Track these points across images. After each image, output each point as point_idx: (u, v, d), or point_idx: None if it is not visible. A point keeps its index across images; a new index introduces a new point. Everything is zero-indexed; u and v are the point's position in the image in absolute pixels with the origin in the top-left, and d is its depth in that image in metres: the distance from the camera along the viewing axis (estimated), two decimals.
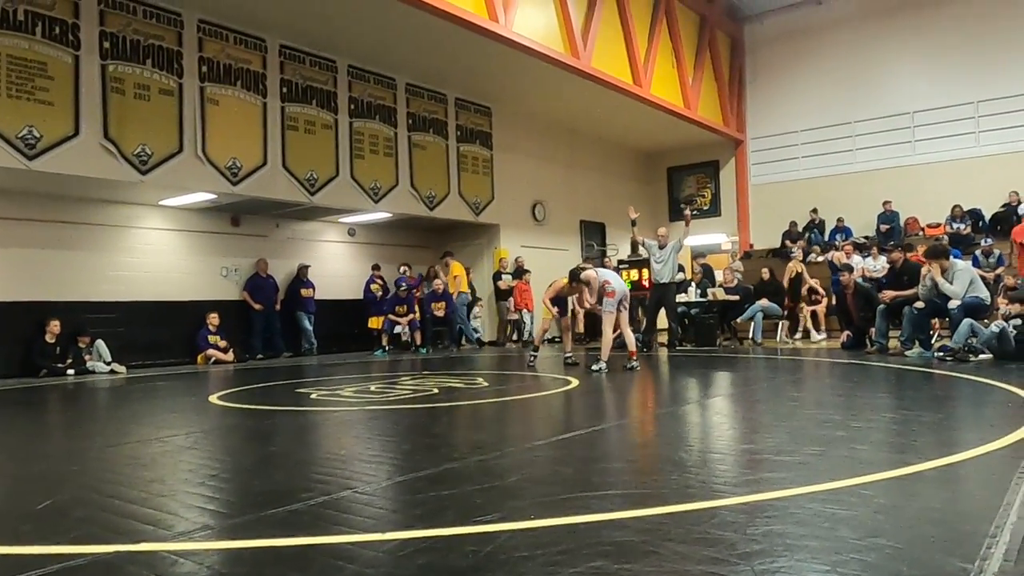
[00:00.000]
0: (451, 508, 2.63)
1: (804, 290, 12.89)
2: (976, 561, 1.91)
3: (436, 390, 6.57)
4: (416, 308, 13.22)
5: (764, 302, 12.28)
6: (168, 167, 9.79)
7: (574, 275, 8.41)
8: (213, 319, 11.14)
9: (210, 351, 11.00)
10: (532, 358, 9.09)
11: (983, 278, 9.22)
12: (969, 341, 7.86)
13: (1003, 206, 14.46)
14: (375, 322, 13.10)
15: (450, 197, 13.83)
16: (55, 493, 3.06)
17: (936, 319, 9.28)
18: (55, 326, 9.58)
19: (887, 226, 15.52)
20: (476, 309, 14.47)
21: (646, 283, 12.61)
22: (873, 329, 9.45)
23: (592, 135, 17.19)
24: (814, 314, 12.74)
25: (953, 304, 8.23)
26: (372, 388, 6.97)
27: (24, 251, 9.76)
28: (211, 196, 10.71)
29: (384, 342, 12.77)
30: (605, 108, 14.91)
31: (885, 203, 15.75)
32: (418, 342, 13.00)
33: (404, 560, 2.10)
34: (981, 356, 7.76)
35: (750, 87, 18.23)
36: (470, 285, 14.38)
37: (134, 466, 3.71)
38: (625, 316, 8.29)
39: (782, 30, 17.54)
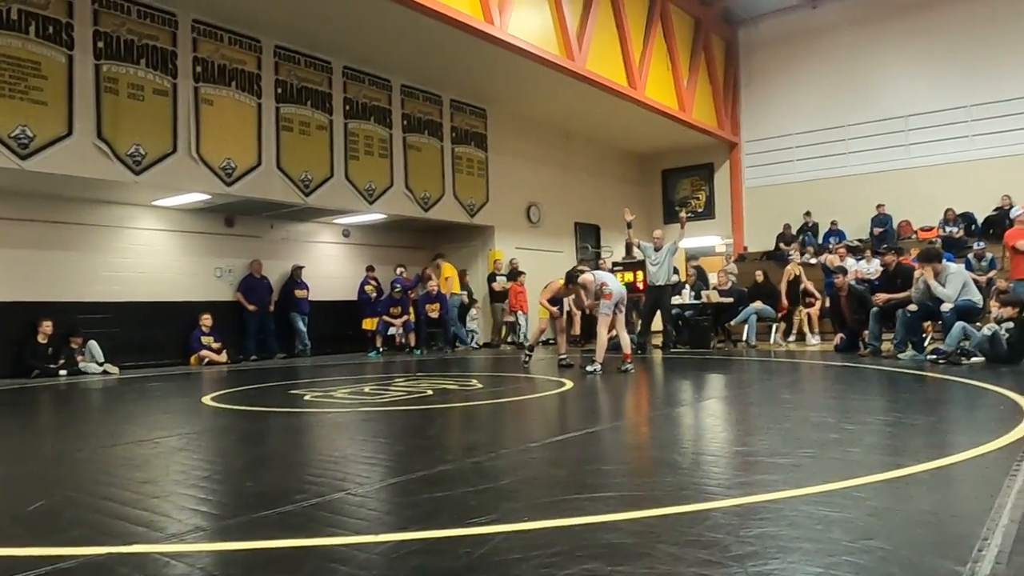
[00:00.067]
0: (445, 510, 2.63)
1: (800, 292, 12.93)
2: (968, 563, 1.92)
3: (430, 391, 6.56)
4: (411, 310, 13.21)
5: (758, 304, 12.31)
6: (162, 167, 9.76)
7: (570, 277, 8.43)
8: (206, 320, 11.10)
9: (203, 352, 10.97)
10: (527, 358, 9.10)
11: (975, 281, 9.26)
12: (961, 344, 7.90)
13: (995, 210, 14.53)
14: (369, 323, 13.07)
15: (445, 199, 13.82)
16: (46, 494, 3.05)
17: (929, 322, 9.32)
18: (47, 326, 9.53)
19: (880, 229, 15.58)
20: (473, 311, 14.46)
21: (640, 285, 12.63)
22: (866, 332, 9.48)
23: (587, 137, 17.21)
24: (809, 316, 12.78)
25: (946, 307, 8.27)
26: (366, 389, 6.95)
27: (16, 251, 9.71)
28: (205, 197, 10.69)
29: (378, 343, 12.75)
30: (600, 110, 14.93)
31: (879, 206, 15.81)
32: (412, 343, 12.99)
33: (397, 562, 2.10)
34: (973, 359, 7.79)
35: (745, 90, 18.28)
36: (467, 287, 14.38)
37: (126, 467, 3.69)
38: (621, 318, 8.30)
39: (777, 34, 17.60)
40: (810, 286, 12.80)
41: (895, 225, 15.77)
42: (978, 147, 15.34)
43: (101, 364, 9.84)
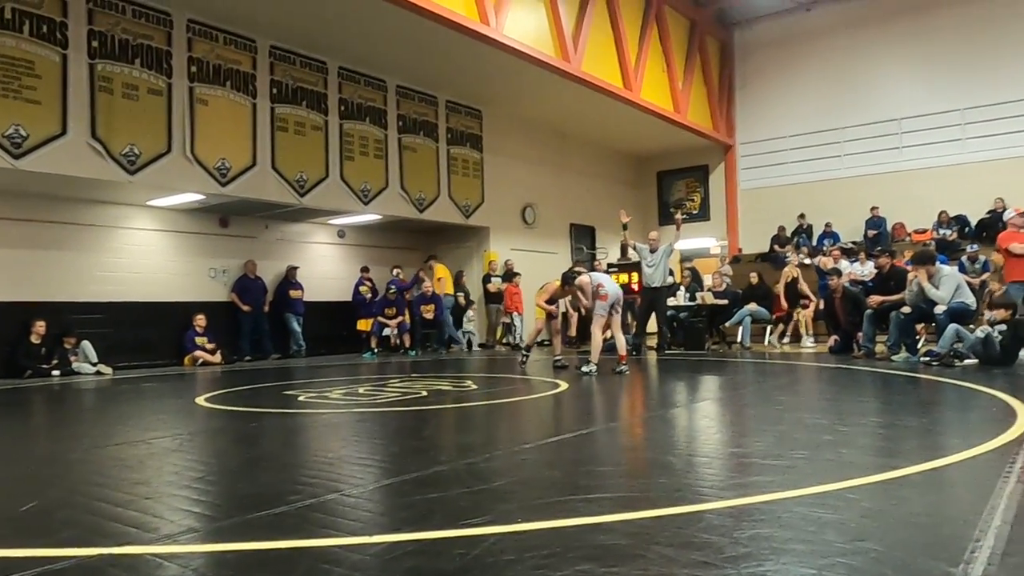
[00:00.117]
0: (439, 511, 2.62)
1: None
2: (960, 565, 1.93)
3: (425, 392, 6.55)
4: (406, 311, 13.19)
5: (752, 306, 12.34)
6: (156, 167, 9.74)
7: (566, 278, 8.47)
8: (200, 320, 11.07)
9: (197, 353, 10.94)
10: (524, 359, 9.11)
11: (969, 284, 9.29)
12: (955, 346, 7.93)
13: (989, 212, 14.59)
14: (364, 324, 13.06)
15: (440, 199, 13.82)
16: (39, 495, 3.04)
17: (922, 324, 9.35)
18: (40, 327, 9.49)
19: (874, 231, 15.63)
20: (471, 312, 14.44)
21: (635, 287, 12.64)
22: (860, 334, 9.51)
23: (582, 139, 17.22)
24: (803, 318, 12.80)
25: (939, 309, 8.30)
26: (361, 390, 6.94)
27: (9, 251, 9.66)
28: (200, 197, 10.66)
29: (373, 344, 12.74)
30: (595, 112, 14.95)
31: (873, 208, 15.86)
32: (407, 344, 12.97)
33: (391, 563, 2.10)
34: (966, 361, 7.82)
35: (740, 92, 18.33)
36: (464, 288, 14.38)
37: (119, 468, 3.68)
38: (617, 319, 8.32)
39: (771, 36, 17.65)
40: (805, 288, 12.84)
41: (889, 227, 15.82)
42: (971, 150, 15.41)
43: (94, 364, 9.79)
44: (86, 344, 9.85)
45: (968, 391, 5.82)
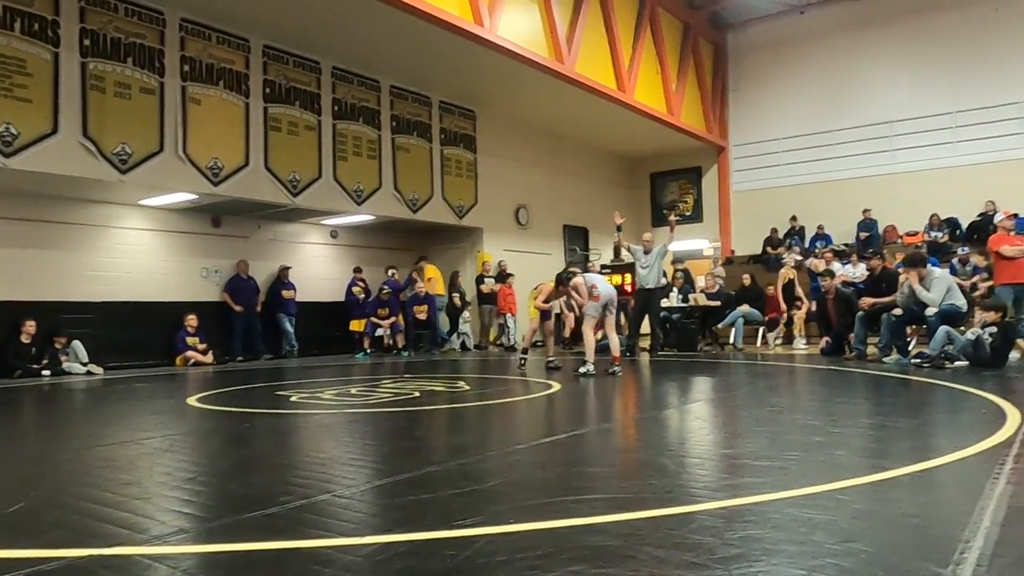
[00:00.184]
0: (430, 512, 2.62)
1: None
2: (950, 566, 1.94)
3: (417, 393, 6.55)
4: (401, 311, 13.18)
5: (745, 308, 12.37)
6: (148, 167, 9.69)
7: (560, 279, 8.49)
8: (191, 320, 11.02)
9: (189, 353, 10.89)
10: (523, 361, 9.12)
11: (960, 286, 9.34)
12: (945, 348, 7.96)
13: (979, 215, 14.68)
14: (357, 325, 13.04)
15: (433, 200, 13.81)
16: (28, 496, 3.02)
17: (913, 326, 9.39)
18: (31, 326, 9.43)
19: (866, 234, 15.70)
20: (466, 313, 14.43)
21: (628, 288, 12.65)
22: (852, 335, 9.54)
23: (576, 140, 17.24)
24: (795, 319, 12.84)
25: (930, 311, 8.34)
26: (353, 391, 6.93)
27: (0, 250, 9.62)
28: (192, 196, 10.62)
29: (366, 345, 12.71)
30: (589, 113, 14.96)
31: (865, 211, 15.94)
32: (399, 345, 12.95)
33: (382, 564, 2.09)
34: (957, 363, 7.86)
35: (733, 94, 18.39)
36: (460, 289, 14.36)
37: (109, 469, 3.66)
38: (611, 320, 8.32)
39: (765, 39, 17.71)
40: (799, 290, 12.88)
41: (881, 230, 15.90)
42: (963, 153, 15.50)
43: (85, 364, 9.75)
44: (77, 344, 9.80)
45: (958, 393, 5.85)
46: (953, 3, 15.58)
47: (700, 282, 13.53)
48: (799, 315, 12.79)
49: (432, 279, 13.60)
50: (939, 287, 8.43)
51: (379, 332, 13.05)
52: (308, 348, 12.74)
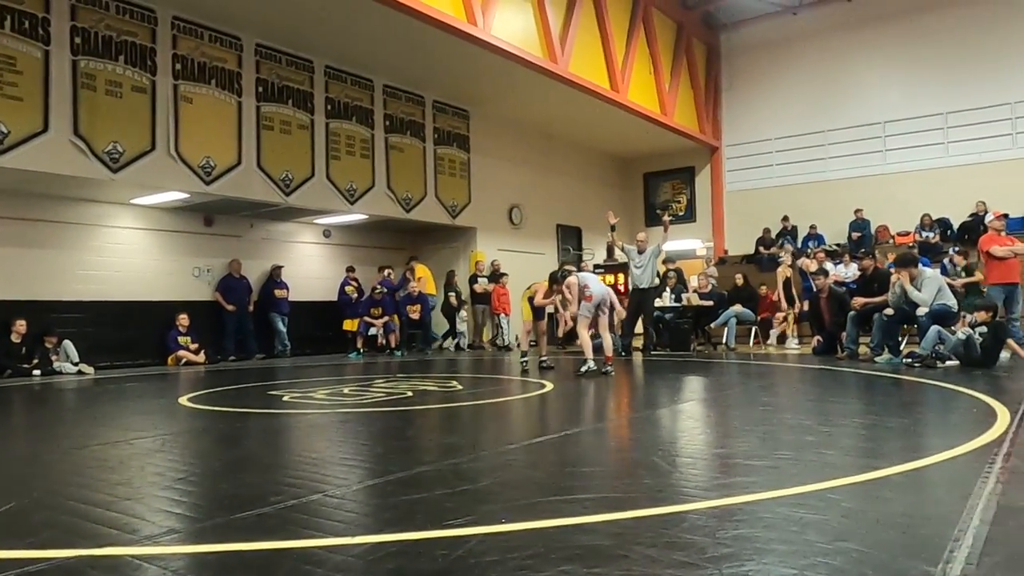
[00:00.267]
0: (422, 512, 2.62)
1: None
2: (939, 564, 1.94)
3: (410, 393, 6.54)
4: (395, 310, 13.16)
5: (738, 307, 12.40)
6: (140, 165, 9.65)
7: (554, 278, 8.52)
8: (183, 320, 10.98)
9: (180, 352, 10.85)
10: (524, 363, 9.15)
11: (950, 286, 9.38)
12: (936, 348, 8.00)
13: (971, 215, 14.76)
14: (350, 324, 13.01)
15: (427, 199, 13.79)
16: (17, 496, 3.00)
17: (905, 326, 9.43)
18: (21, 326, 9.38)
19: (858, 234, 15.76)
20: (463, 313, 14.41)
21: (621, 288, 12.65)
22: (844, 335, 9.58)
23: (569, 140, 17.25)
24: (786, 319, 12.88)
25: (921, 311, 8.38)
26: (345, 391, 6.92)
27: None
28: (184, 195, 10.58)
29: (359, 344, 12.69)
30: (582, 113, 14.97)
31: (857, 211, 16.00)
32: (392, 344, 12.94)
33: (374, 564, 2.09)
34: (948, 363, 7.90)
35: (726, 94, 18.43)
36: (456, 288, 14.34)
37: (100, 469, 3.64)
38: (605, 320, 8.34)
39: (758, 39, 17.76)
40: (793, 290, 12.92)
41: (873, 230, 15.97)
42: (954, 154, 15.59)
43: (76, 364, 9.70)
44: (67, 343, 9.75)
45: (949, 392, 5.88)
46: (945, 4, 15.66)
47: (693, 282, 13.55)
48: (792, 314, 12.83)
49: (422, 278, 13.59)
50: (930, 287, 8.47)
51: (372, 331, 13.02)
52: (301, 347, 12.71)
